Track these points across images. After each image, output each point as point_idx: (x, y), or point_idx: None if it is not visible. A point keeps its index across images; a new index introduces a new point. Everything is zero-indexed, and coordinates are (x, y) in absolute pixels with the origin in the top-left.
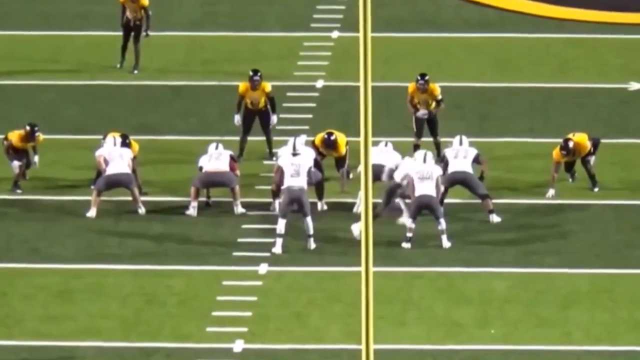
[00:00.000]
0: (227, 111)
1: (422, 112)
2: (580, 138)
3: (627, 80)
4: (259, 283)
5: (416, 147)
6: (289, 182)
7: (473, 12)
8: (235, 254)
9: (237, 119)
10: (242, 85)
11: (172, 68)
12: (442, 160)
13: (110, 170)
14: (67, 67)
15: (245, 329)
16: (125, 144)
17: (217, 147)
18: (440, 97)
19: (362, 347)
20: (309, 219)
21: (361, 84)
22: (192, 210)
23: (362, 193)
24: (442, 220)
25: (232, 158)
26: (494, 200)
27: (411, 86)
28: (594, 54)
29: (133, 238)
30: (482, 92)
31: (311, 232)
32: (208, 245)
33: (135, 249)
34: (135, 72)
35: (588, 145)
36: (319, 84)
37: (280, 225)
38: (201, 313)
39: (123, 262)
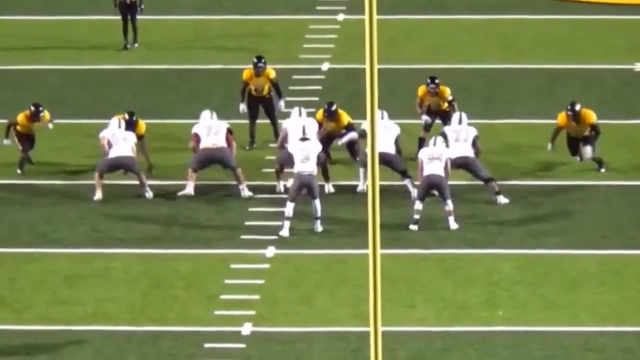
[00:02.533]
0: (233, 95)
1: (425, 118)
2: (585, 110)
3: (632, 61)
4: (267, 266)
5: (421, 140)
6: (299, 167)
7: None
8: (242, 237)
9: (242, 107)
10: (247, 72)
11: (178, 52)
12: (442, 135)
13: (112, 153)
14: (72, 51)
15: (253, 312)
16: (132, 122)
17: (212, 117)
18: (450, 97)
19: (371, 329)
20: (317, 202)
21: (367, 66)
22: (189, 189)
23: (361, 172)
24: (449, 202)
25: (229, 131)
26: (501, 182)
27: (421, 89)
28: (599, 35)
29: (140, 222)
30: (487, 74)
31: (319, 214)
32: (215, 228)
33: (142, 233)
34: (135, 45)
35: (593, 116)
36: (325, 66)
37: (289, 209)
38: (209, 296)
39: (130, 246)
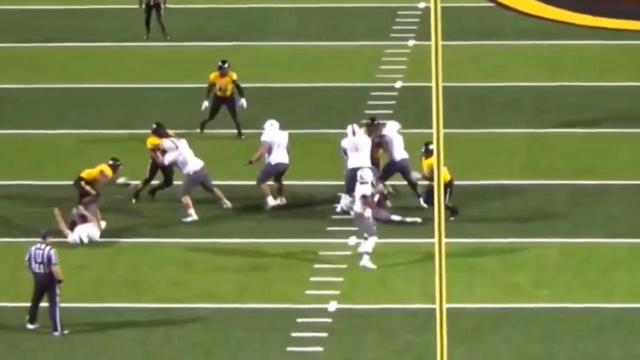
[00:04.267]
0: (321, 108)
1: None
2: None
3: None
4: (349, 253)
5: None
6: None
7: (528, 23)
8: (328, 228)
9: (205, 104)
10: (212, 75)
11: (273, 73)
12: (342, 152)
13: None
14: (182, 73)
15: (338, 292)
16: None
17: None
18: None
19: (437, 306)
20: (370, 239)
21: (433, 84)
22: (195, 215)
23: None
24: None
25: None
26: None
27: None
28: (632, 57)
29: (241, 217)
30: (535, 91)
31: (363, 250)
32: (305, 221)
33: (244, 227)
34: (168, 38)
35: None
36: (398, 84)
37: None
38: (300, 279)
39: (234, 237)
